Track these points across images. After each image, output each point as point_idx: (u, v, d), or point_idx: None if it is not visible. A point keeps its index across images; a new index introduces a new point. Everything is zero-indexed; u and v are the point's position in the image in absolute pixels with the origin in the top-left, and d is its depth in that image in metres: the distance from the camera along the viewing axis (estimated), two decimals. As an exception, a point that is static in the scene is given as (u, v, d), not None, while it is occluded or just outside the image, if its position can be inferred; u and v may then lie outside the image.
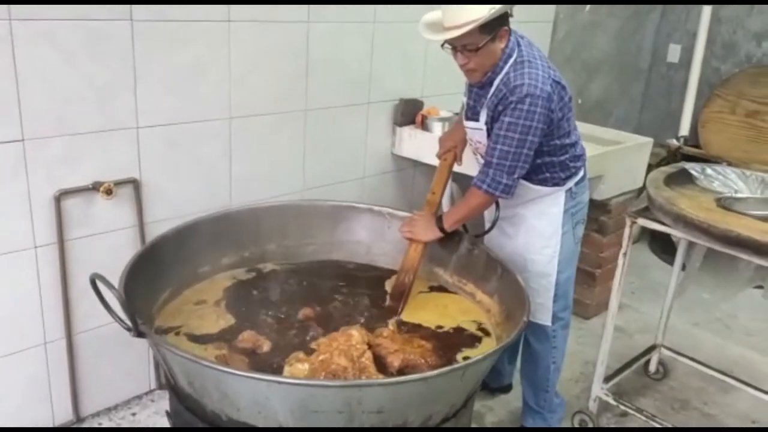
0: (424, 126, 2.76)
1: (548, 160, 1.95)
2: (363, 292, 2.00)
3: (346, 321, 1.82)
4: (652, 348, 2.63)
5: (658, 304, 2.70)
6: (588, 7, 3.64)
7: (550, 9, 3.42)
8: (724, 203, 2.03)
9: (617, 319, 3.06)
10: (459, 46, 1.81)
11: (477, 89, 1.96)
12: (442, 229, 1.96)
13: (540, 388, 2.22)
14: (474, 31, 1.75)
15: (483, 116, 1.93)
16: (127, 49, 1.98)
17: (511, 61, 1.85)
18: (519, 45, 1.88)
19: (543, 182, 1.99)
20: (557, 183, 2.00)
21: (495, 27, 1.78)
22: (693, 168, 2.27)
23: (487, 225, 2.05)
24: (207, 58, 2.17)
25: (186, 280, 1.92)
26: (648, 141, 2.99)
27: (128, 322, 1.43)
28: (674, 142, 3.80)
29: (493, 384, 2.46)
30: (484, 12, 1.72)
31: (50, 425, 2.14)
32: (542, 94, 1.79)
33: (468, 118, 2.02)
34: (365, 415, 1.40)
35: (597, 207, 2.92)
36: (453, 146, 2.16)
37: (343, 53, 2.55)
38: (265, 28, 2.28)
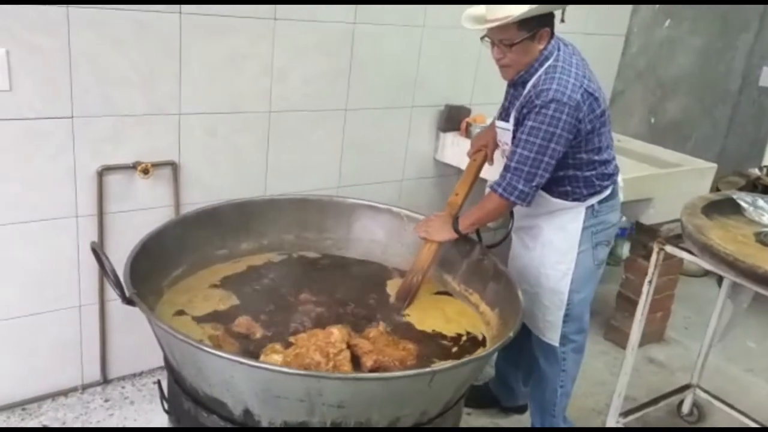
0: (468, 133, 2.73)
1: (572, 173, 1.88)
2: (369, 290, 2.00)
3: (344, 317, 1.83)
4: (685, 387, 2.44)
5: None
6: (667, 21, 3.44)
7: (623, 22, 3.28)
8: (764, 238, 1.85)
9: (660, 354, 2.92)
10: (496, 39, 1.80)
11: (512, 90, 1.93)
12: (457, 231, 1.93)
13: (546, 411, 2.14)
14: (511, 26, 1.73)
15: (512, 117, 1.89)
16: (174, 39, 2.12)
17: (547, 64, 1.81)
18: (559, 50, 1.82)
19: (563, 195, 1.92)
20: (578, 198, 1.92)
21: (535, 26, 1.76)
22: (742, 198, 2.09)
23: (540, 248, 2.00)
24: (250, 53, 2.27)
25: (203, 260, 2.01)
26: (711, 166, 2.78)
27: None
28: (755, 172, 3.50)
29: (507, 403, 2.39)
30: (524, 9, 1.69)
31: (79, 383, 2.33)
32: (569, 102, 1.74)
33: (500, 118, 1.99)
34: (326, 408, 1.41)
35: (645, 232, 2.75)
36: (484, 145, 2.12)
37: (388, 56, 2.57)
38: (310, 27, 2.36)
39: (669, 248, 1.96)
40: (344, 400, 1.40)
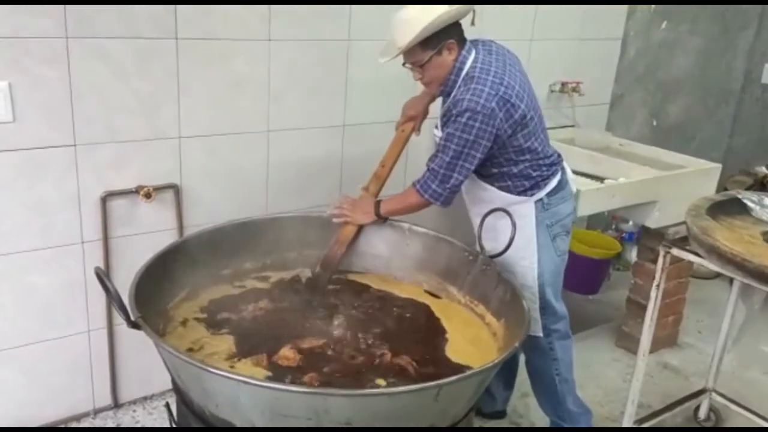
0: (469, 144, 2.72)
1: (506, 169, 1.96)
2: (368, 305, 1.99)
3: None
4: (701, 392, 2.41)
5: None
6: (664, 23, 3.44)
7: (619, 26, 3.28)
8: (772, 237, 1.83)
9: (674, 359, 2.89)
10: (409, 63, 1.89)
11: (444, 100, 1.99)
12: (378, 215, 2.04)
13: (553, 401, 2.18)
14: (416, 48, 1.83)
15: (439, 125, 1.99)
16: (172, 65, 2.15)
17: (463, 74, 1.87)
18: (476, 57, 1.88)
19: (507, 190, 1.98)
20: (523, 192, 1.98)
21: (439, 41, 1.83)
22: (747, 197, 2.07)
23: (502, 246, 1.98)
24: (247, 75, 2.29)
25: (207, 281, 2.02)
26: (715, 167, 2.75)
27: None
28: (763, 170, 3.48)
29: (487, 409, 2.40)
30: (418, 30, 1.77)
31: (90, 408, 2.33)
32: (483, 111, 1.80)
33: (436, 127, 2.07)
34: (334, 425, 1.40)
35: (652, 235, 2.73)
36: (415, 116, 2.17)
37: (383, 71, 2.54)
38: (305, 47, 2.38)
39: (675, 251, 1.94)
40: (351, 417, 1.39)
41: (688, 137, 3.86)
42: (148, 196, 2.17)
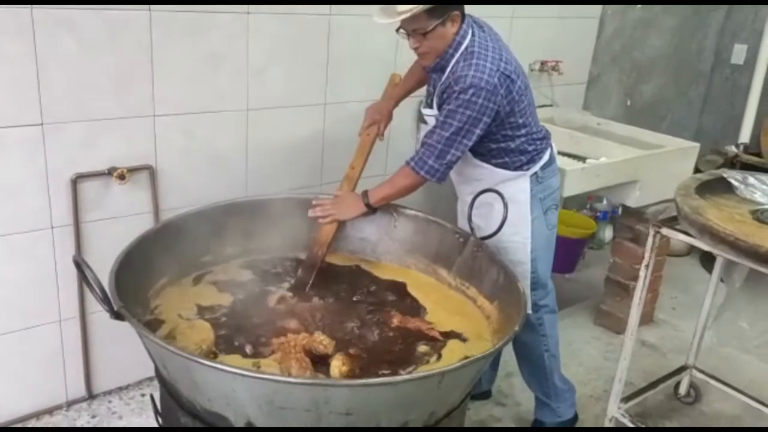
0: (451, 124, 2.68)
1: (503, 145, 1.94)
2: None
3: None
4: (682, 369, 2.45)
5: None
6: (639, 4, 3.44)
7: (596, 5, 3.26)
8: (761, 216, 1.85)
9: (651, 336, 2.93)
10: (409, 30, 1.81)
11: (434, 76, 1.94)
12: (368, 205, 1.96)
13: (541, 377, 2.19)
14: (422, 15, 1.75)
15: (435, 104, 1.94)
16: (144, 38, 2.02)
17: (462, 48, 1.83)
18: (473, 33, 1.85)
19: (504, 166, 1.97)
20: (519, 167, 1.97)
21: (445, 11, 1.78)
22: (733, 176, 2.08)
23: (494, 227, 1.95)
24: (225, 50, 2.19)
25: (188, 267, 1.93)
26: (693, 146, 2.79)
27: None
28: (732, 149, 3.55)
29: (472, 390, 2.38)
30: None
31: (63, 400, 2.23)
32: (487, 86, 1.78)
33: (426, 105, 2.03)
34: (333, 416, 1.35)
35: (632, 215, 2.75)
36: (378, 120, 2.16)
37: (366, 48, 2.51)
38: (284, 21, 2.28)
39: (665, 230, 1.94)
40: (352, 407, 1.35)
41: (660, 117, 3.91)
42: (121, 177, 2.05)
